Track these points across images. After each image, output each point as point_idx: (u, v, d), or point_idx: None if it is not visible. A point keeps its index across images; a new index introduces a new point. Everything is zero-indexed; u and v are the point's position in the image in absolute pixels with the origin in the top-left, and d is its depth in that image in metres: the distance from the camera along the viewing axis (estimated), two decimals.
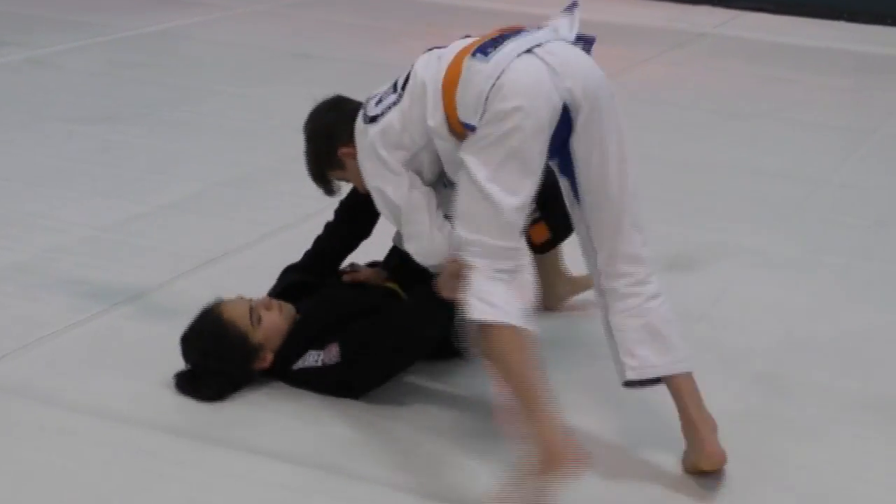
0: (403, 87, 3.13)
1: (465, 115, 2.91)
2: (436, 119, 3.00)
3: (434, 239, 3.11)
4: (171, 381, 3.24)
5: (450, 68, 3.00)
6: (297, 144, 3.36)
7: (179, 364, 3.29)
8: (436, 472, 2.93)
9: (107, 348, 3.49)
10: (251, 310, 3.23)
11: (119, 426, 3.06)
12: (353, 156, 3.20)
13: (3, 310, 3.70)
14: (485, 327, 2.78)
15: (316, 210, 4.01)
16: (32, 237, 4.29)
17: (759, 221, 4.81)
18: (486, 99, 2.86)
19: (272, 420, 3.12)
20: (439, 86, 2.99)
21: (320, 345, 3.22)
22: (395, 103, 3.12)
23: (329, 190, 3.38)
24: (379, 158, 3.12)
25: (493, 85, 2.87)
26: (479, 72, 2.91)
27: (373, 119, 3.14)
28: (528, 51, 2.93)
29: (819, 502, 2.90)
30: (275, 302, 3.33)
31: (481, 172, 2.84)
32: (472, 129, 2.88)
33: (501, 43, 2.96)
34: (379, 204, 3.17)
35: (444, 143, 3.02)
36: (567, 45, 3.00)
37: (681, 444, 2.97)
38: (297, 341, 3.25)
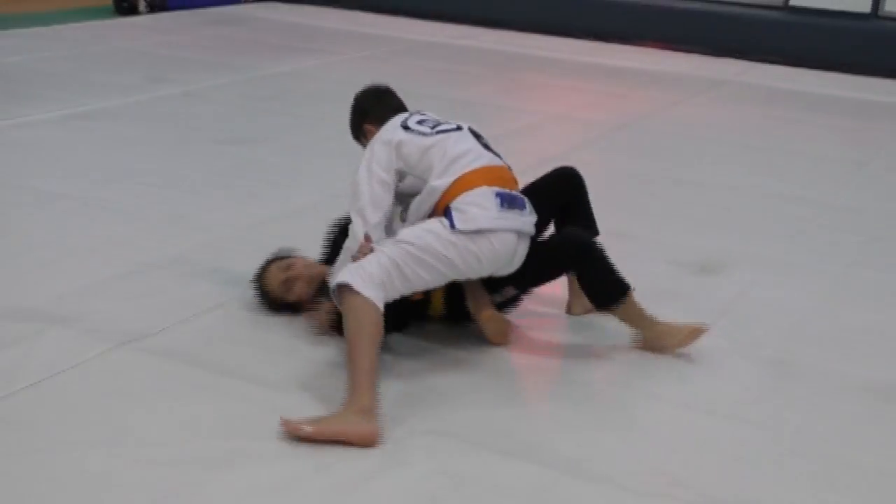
0: (437, 132, 3.23)
1: (459, 216, 3.05)
2: (438, 187, 3.11)
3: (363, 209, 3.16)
4: (296, 349, 3.31)
5: (476, 173, 3.12)
6: None
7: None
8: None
9: (244, 324, 3.52)
10: (283, 281, 3.48)
11: (256, 386, 3.09)
12: (372, 135, 3.34)
13: (164, 293, 3.75)
14: (343, 288, 2.91)
15: None
16: (185, 235, 4.34)
17: (774, 235, 4.74)
18: (476, 232, 3.02)
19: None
20: (454, 179, 3.10)
21: None
22: (423, 135, 3.23)
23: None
24: (377, 149, 3.22)
25: (487, 230, 3.03)
26: (487, 209, 3.05)
27: (406, 128, 3.26)
28: (518, 233, 3.10)
29: (827, 465, 2.85)
30: (301, 269, 3.49)
31: (438, 245, 3.01)
32: (452, 223, 3.03)
33: (516, 207, 3.12)
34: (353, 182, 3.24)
35: (420, 198, 3.15)
36: (523, 243, 3.14)
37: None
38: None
